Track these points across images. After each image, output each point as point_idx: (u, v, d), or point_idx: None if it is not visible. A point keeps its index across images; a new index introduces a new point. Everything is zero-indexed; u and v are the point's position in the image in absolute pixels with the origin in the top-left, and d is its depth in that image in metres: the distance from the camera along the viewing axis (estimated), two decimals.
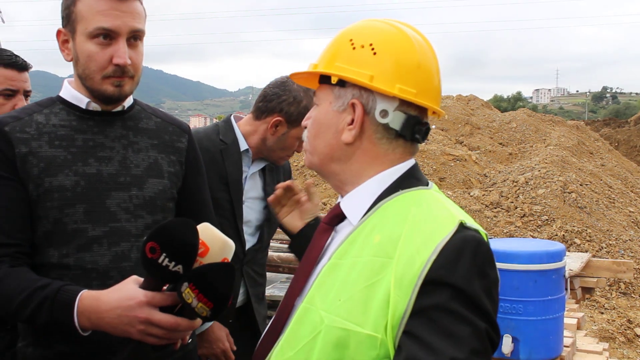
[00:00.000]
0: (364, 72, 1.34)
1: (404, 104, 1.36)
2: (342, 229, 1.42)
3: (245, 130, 2.78)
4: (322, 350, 1.24)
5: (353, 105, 1.37)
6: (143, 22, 1.87)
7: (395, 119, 1.36)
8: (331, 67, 1.39)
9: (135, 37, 1.83)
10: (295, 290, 1.42)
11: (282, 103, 2.66)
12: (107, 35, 1.78)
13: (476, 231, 1.25)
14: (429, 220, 1.26)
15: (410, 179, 1.39)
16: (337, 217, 1.44)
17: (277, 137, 2.70)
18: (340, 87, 1.38)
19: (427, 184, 1.41)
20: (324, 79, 1.42)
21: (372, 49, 1.35)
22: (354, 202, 1.40)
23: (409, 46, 1.37)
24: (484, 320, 1.16)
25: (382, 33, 1.38)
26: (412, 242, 1.22)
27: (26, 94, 2.72)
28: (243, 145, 2.76)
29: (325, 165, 1.44)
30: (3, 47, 2.93)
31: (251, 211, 2.81)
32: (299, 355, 1.29)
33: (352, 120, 1.37)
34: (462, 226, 1.23)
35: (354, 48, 1.37)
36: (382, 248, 1.25)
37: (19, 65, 2.70)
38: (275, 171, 2.91)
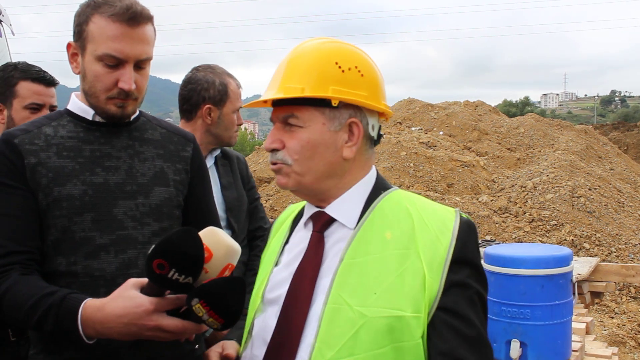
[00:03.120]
0: (359, 93, 1.49)
1: (378, 115, 1.57)
2: (333, 233, 1.53)
3: (198, 136, 2.95)
4: (370, 341, 1.36)
5: (351, 125, 1.50)
6: (152, 47, 1.90)
7: (376, 130, 1.57)
8: (327, 91, 1.47)
9: (142, 63, 1.87)
10: (304, 296, 1.46)
11: (201, 93, 2.89)
12: (116, 62, 1.82)
13: (467, 217, 1.49)
14: (432, 212, 1.49)
15: (382, 181, 1.59)
16: (327, 223, 1.54)
17: (216, 122, 2.91)
18: (333, 109, 1.48)
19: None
20: (308, 102, 1.48)
21: (359, 71, 1.50)
22: (345, 207, 1.53)
23: (372, 65, 1.56)
24: (486, 288, 1.46)
25: (357, 55, 1.53)
26: (428, 231, 1.43)
27: (52, 109, 2.77)
28: None
29: (319, 183, 1.52)
30: (14, 59, 2.99)
31: (221, 205, 2.90)
32: (341, 353, 1.37)
33: (349, 138, 1.50)
34: (459, 215, 1.48)
35: (342, 71, 1.48)
36: (398, 242, 1.43)
37: (46, 80, 2.77)
38: (229, 161, 3.07)
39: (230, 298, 1.44)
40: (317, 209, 1.57)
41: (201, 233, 1.49)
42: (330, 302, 1.41)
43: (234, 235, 2.91)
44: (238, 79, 3.02)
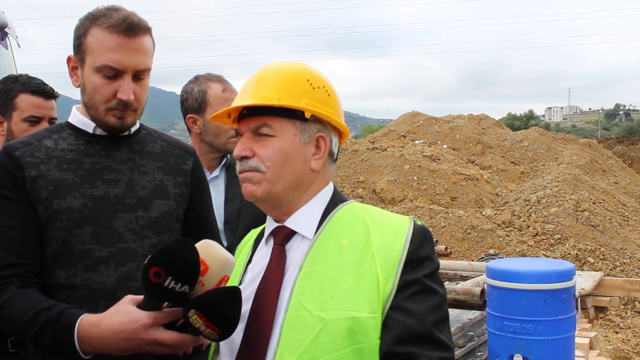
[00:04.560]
0: (328, 110, 1.59)
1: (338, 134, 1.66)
2: (293, 245, 1.58)
3: (194, 147, 2.97)
4: (330, 343, 1.40)
5: (319, 139, 1.59)
6: (150, 57, 1.91)
7: (336, 147, 1.66)
8: (301, 103, 1.54)
9: (140, 74, 1.88)
10: (268, 309, 1.49)
11: (183, 105, 2.95)
12: (114, 73, 1.84)
13: (422, 224, 1.57)
14: (387, 220, 1.56)
15: (339, 194, 1.67)
16: (288, 236, 1.59)
17: (203, 131, 2.89)
18: (304, 122, 1.56)
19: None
20: (281, 112, 1.54)
21: (326, 90, 1.59)
22: (304, 219, 1.59)
23: (334, 89, 1.65)
24: (443, 287, 1.51)
25: (323, 77, 1.62)
26: (383, 236, 1.50)
27: (51, 121, 2.78)
28: None
29: (287, 193, 1.57)
30: (21, 71, 3.02)
31: (218, 217, 2.84)
32: (303, 357, 1.40)
33: (316, 151, 1.59)
34: (413, 221, 1.56)
35: (313, 88, 1.57)
36: (354, 247, 1.50)
37: (46, 93, 2.78)
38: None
39: (226, 308, 1.44)
40: (276, 225, 1.61)
41: (196, 246, 1.49)
42: (290, 310, 1.45)
43: (229, 248, 2.90)
44: (231, 83, 2.97)
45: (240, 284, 1.63)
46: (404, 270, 1.45)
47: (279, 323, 1.45)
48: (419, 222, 1.56)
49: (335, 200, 1.63)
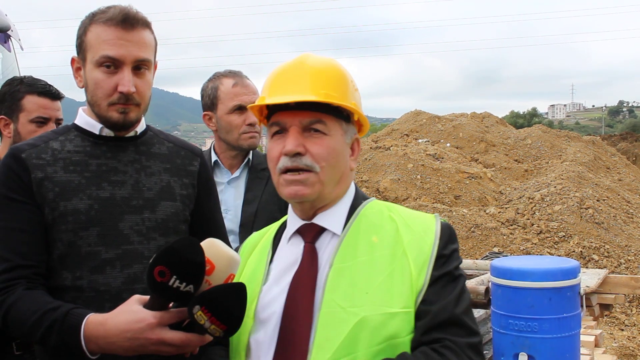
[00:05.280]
0: (362, 113, 1.60)
1: None
2: (323, 243, 1.58)
3: (215, 145, 2.98)
4: (366, 339, 1.41)
5: (354, 141, 1.62)
6: (150, 51, 1.92)
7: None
8: (350, 104, 1.55)
9: (140, 66, 1.89)
10: (304, 309, 1.48)
11: (201, 103, 2.96)
12: (113, 64, 1.85)
13: (445, 221, 1.61)
14: (414, 217, 1.60)
15: (361, 192, 1.69)
16: (318, 233, 1.58)
17: (218, 128, 2.88)
18: (347, 123, 1.58)
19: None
20: (333, 111, 1.53)
21: (359, 92, 1.61)
22: (333, 217, 1.59)
23: None
24: (464, 281, 1.56)
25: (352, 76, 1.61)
26: (413, 232, 1.54)
27: (58, 122, 2.80)
28: (213, 158, 2.93)
29: (330, 193, 1.58)
30: (25, 73, 3.03)
31: (234, 219, 2.86)
32: (338, 354, 1.40)
33: (352, 152, 1.62)
34: (438, 218, 1.60)
35: (355, 90, 1.59)
36: (385, 244, 1.52)
37: (52, 94, 2.80)
38: (266, 176, 2.90)
39: (231, 303, 1.44)
40: (302, 223, 1.60)
41: (201, 244, 1.48)
42: (324, 307, 1.46)
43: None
44: (246, 78, 2.91)
45: (263, 284, 1.61)
46: (435, 265, 1.49)
47: (314, 322, 1.46)
48: (443, 220, 1.60)
49: (358, 198, 1.65)
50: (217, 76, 2.92)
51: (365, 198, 1.66)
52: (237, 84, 2.86)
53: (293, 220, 1.64)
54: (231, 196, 2.89)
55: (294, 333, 1.47)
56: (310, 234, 1.58)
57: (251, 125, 2.84)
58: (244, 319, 1.56)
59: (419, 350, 1.43)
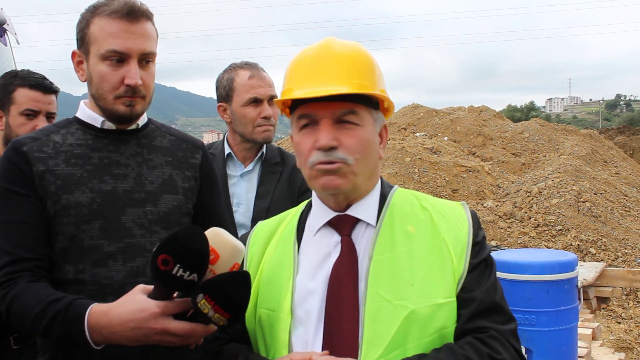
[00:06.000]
0: (390, 99, 1.54)
1: None
2: (358, 235, 1.54)
3: (229, 137, 2.96)
4: (416, 331, 1.40)
5: (383, 128, 1.56)
6: (154, 43, 1.92)
7: None
8: (379, 92, 1.51)
9: (146, 58, 1.89)
10: (350, 302, 1.45)
11: (216, 94, 2.93)
12: (119, 57, 1.84)
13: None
14: (445, 204, 1.59)
15: (384, 179, 1.64)
16: (353, 225, 1.54)
17: (232, 120, 2.85)
18: (376, 111, 1.53)
19: None
20: (364, 100, 1.48)
21: (383, 76, 1.54)
22: (366, 207, 1.55)
23: None
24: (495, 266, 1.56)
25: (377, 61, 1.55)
26: (448, 220, 1.53)
27: (50, 115, 2.77)
28: (227, 150, 2.90)
29: (364, 184, 1.53)
30: (22, 68, 3.01)
31: (246, 213, 2.84)
32: (390, 348, 1.38)
33: (381, 140, 1.56)
34: (466, 206, 1.59)
35: (381, 74, 1.56)
36: (422, 233, 1.51)
37: (44, 87, 2.76)
38: (284, 168, 2.89)
39: (235, 291, 1.43)
40: (334, 214, 1.55)
41: (205, 234, 1.48)
42: (369, 302, 1.43)
43: None
44: (262, 70, 2.87)
45: (295, 276, 1.55)
46: (472, 253, 1.50)
47: (361, 317, 1.43)
48: (466, 205, 1.61)
49: (385, 186, 1.62)
50: (233, 67, 2.88)
51: (389, 186, 1.63)
52: (253, 76, 2.82)
53: (322, 211, 1.57)
54: (243, 189, 2.87)
55: (340, 329, 1.45)
56: (347, 226, 1.53)
57: (266, 118, 2.80)
58: (279, 315, 1.53)
59: (465, 341, 1.42)
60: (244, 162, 2.91)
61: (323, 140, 1.43)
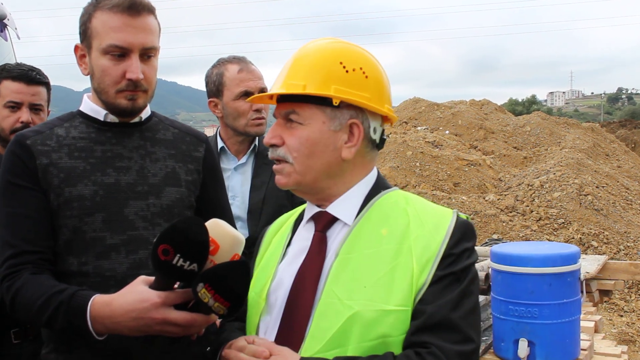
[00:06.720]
0: (362, 94, 1.50)
1: (381, 119, 1.58)
2: (334, 232, 1.55)
3: (221, 131, 2.99)
4: (358, 333, 1.38)
5: (352, 125, 1.52)
6: (156, 37, 1.92)
7: (378, 133, 1.57)
8: (329, 90, 1.48)
9: (148, 53, 1.89)
10: (307, 294, 1.48)
11: (206, 90, 2.96)
12: (120, 52, 1.84)
13: (465, 218, 1.53)
14: (430, 211, 1.52)
15: (383, 181, 1.62)
16: (329, 222, 1.56)
17: (224, 114, 2.88)
18: (334, 108, 1.49)
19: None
20: (310, 99, 1.49)
21: (363, 72, 1.51)
22: (344, 206, 1.55)
23: (379, 68, 1.58)
24: (475, 284, 1.47)
25: (363, 57, 1.54)
26: (423, 227, 1.47)
27: (34, 107, 2.71)
28: (219, 144, 2.93)
29: (318, 182, 1.54)
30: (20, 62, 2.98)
31: (242, 205, 2.86)
32: (329, 345, 1.39)
33: (349, 139, 1.52)
34: (456, 215, 1.51)
35: (347, 71, 1.50)
36: (393, 238, 1.46)
37: (27, 78, 2.69)
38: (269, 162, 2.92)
39: (234, 280, 1.44)
40: (318, 209, 1.59)
41: (206, 224, 1.49)
42: (323, 297, 1.45)
43: (250, 239, 2.88)
44: (251, 64, 2.90)
45: (278, 265, 1.62)
46: (440, 264, 1.42)
47: (313, 311, 1.45)
48: (462, 216, 1.53)
49: (378, 187, 1.59)
50: (222, 62, 2.91)
51: (386, 187, 1.60)
52: (242, 70, 2.86)
53: (310, 206, 1.63)
54: (238, 182, 2.90)
55: (294, 320, 1.48)
56: (322, 222, 1.57)
57: (258, 111, 2.85)
58: (257, 299, 1.58)
59: (404, 354, 1.38)
60: (237, 156, 2.94)
61: (266, 138, 1.55)
